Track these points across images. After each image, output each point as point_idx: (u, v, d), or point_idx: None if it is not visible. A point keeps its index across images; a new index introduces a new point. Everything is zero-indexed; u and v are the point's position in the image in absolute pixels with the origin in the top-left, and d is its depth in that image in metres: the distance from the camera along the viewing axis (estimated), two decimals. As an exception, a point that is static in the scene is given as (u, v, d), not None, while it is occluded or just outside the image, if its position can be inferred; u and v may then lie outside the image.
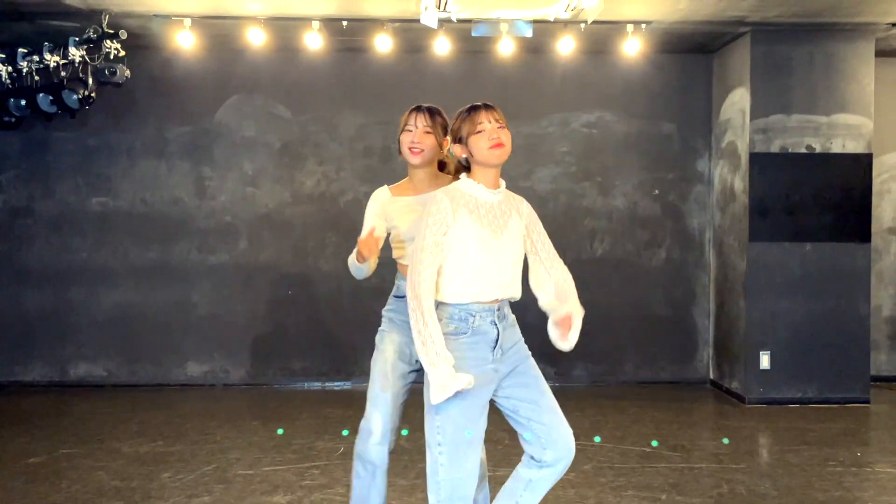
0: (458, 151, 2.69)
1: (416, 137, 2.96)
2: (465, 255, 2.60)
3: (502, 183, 2.73)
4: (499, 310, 2.67)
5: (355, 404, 5.88)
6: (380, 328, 3.08)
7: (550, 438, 2.69)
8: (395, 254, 3.06)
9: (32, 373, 6.70)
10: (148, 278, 6.71)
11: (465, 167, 2.71)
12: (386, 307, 3.09)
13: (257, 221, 6.77)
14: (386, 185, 3.10)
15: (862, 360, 6.13)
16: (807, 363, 6.11)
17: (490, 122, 2.64)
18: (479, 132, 2.62)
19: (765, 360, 6.11)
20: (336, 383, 6.71)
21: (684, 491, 4.10)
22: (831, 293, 6.10)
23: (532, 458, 2.74)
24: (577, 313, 2.73)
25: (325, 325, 6.76)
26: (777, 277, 6.10)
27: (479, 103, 2.70)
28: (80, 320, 6.71)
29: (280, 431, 4.79)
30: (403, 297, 2.81)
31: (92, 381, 6.69)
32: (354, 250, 2.98)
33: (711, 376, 6.83)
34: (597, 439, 5.01)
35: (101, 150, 6.69)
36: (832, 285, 6.10)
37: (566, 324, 2.72)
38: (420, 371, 2.86)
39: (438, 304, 2.59)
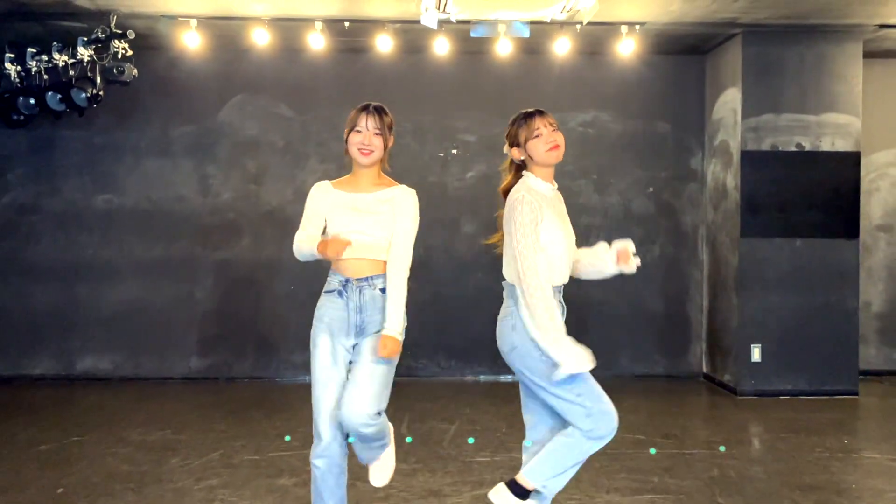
0: (515, 154, 3.02)
1: (366, 139, 3.04)
2: (552, 243, 2.90)
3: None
4: (561, 291, 2.99)
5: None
6: (312, 329, 3.10)
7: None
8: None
9: (40, 366, 6.84)
10: (153, 274, 6.85)
11: (517, 167, 3.05)
12: (318, 307, 3.10)
13: (260, 219, 6.91)
14: (327, 180, 3.18)
15: (850, 353, 6.29)
16: (797, 356, 6.26)
17: (546, 126, 2.98)
18: (537, 136, 2.96)
19: (756, 353, 6.26)
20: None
21: (676, 475, 4.25)
22: (821, 288, 6.26)
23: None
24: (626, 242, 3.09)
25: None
26: (768, 273, 6.26)
27: (532, 110, 3.03)
28: (87, 315, 6.84)
29: (287, 438, 4.91)
30: (335, 292, 3.03)
31: (98, 375, 6.82)
32: (315, 241, 3.01)
33: (704, 370, 6.98)
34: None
35: (106, 148, 6.83)
36: (821, 280, 6.26)
37: (625, 255, 3.06)
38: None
39: None
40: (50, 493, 3.91)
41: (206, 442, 4.88)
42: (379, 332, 3.00)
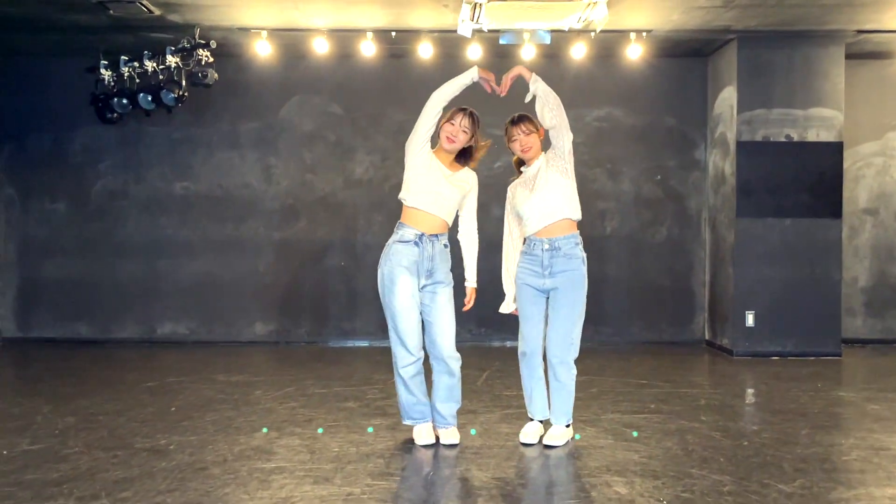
0: (507, 145, 4.22)
1: (455, 132, 4.02)
2: (520, 209, 4.15)
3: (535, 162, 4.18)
4: (550, 241, 4.09)
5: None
6: (388, 271, 4.04)
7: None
8: (410, 201, 4.01)
9: (126, 331, 7.91)
10: (223, 251, 7.89)
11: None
12: (393, 254, 4.02)
13: (315, 203, 7.92)
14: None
15: (834, 319, 7.14)
16: (786, 322, 7.12)
17: (519, 133, 4.13)
18: (514, 141, 4.17)
19: (750, 319, 7.13)
20: (381, 341, 7.83)
21: (669, 403, 5.17)
22: (807, 262, 7.12)
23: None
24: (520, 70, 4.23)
25: (371, 292, 7.87)
26: (760, 249, 7.13)
27: (515, 117, 4.19)
28: (166, 287, 7.91)
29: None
30: (412, 242, 3.98)
31: (176, 339, 7.88)
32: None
33: (707, 337, 7.86)
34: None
35: (184, 142, 7.90)
36: (808, 255, 7.12)
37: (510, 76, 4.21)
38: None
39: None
40: (165, 411, 4.92)
41: (280, 381, 5.88)
42: (447, 283, 4.06)
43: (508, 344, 7.88)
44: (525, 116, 4.18)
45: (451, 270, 4.15)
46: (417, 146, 4.04)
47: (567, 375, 4.11)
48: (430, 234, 4.01)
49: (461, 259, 4.24)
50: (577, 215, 4.14)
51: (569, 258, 4.07)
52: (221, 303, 7.90)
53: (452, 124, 4.03)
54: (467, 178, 4.14)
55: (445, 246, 4.09)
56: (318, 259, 7.93)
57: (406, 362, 4.06)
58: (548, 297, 4.15)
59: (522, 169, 4.26)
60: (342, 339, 7.89)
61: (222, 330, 7.91)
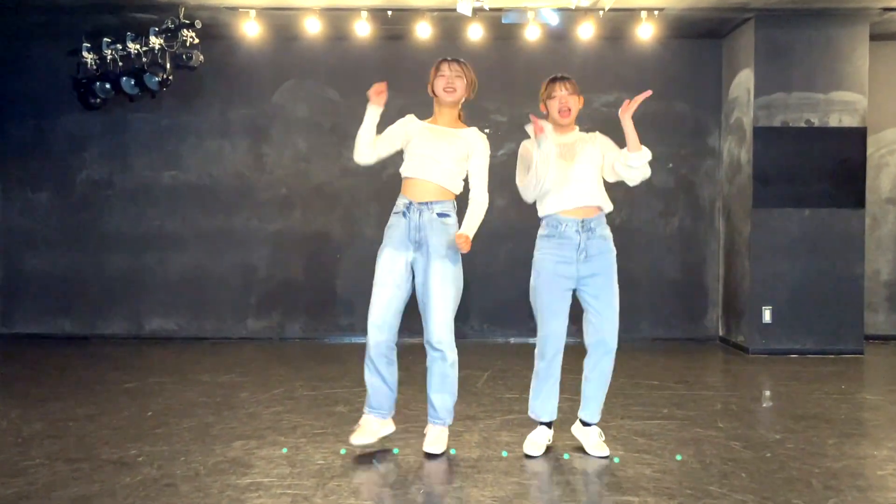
0: (541, 108, 3.82)
1: (450, 81, 3.69)
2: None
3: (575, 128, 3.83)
4: (582, 222, 3.68)
5: (402, 354, 6.65)
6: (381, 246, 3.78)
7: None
8: (402, 168, 3.74)
9: (112, 327, 7.58)
10: (213, 243, 7.55)
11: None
12: (387, 227, 3.78)
13: (310, 193, 7.56)
14: (414, 115, 3.84)
15: (856, 315, 6.75)
16: (805, 318, 6.74)
17: (562, 90, 3.74)
18: (553, 97, 3.74)
19: (767, 315, 6.75)
20: (380, 338, 7.50)
21: (683, 408, 4.80)
22: (828, 254, 6.73)
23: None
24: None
25: (368, 286, 7.50)
26: (778, 240, 6.74)
27: (557, 75, 3.81)
28: (154, 280, 7.57)
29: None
30: (400, 212, 3.68)
31: (164, 335, 7.55)
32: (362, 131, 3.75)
33: (720, 333, 7.48)
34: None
35: (172, 129, 7.54)
36: (829, 247, 6.73)
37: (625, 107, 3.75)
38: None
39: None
40: (140, 416, 4.58)
41: (268, 382, 5.54)
42: (442, 258, 3.64)
43: (512, 340, 7.53)
44: (569, 77, 3.83)
45: (455, 246, 3.67)
46: (391, 142, 3.83)
47: (610, 362, 3.87)
48: (420, 202, 3.67)
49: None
50: (610, 207, 3.82)
51: (604, 239, 3.75)
52: (212, 297, 7.56)
53: (443, 75, 3.73)
54: (468, 137, 3.75)
55: (441, 216, 3.67)
56: (313, 251, 7.57)
57: (370, 340, 3.74)
58: (574, 289, 3.76)
59: (546, 134, 3.56)
60: (339, 336, 7.55)
61: (213, 326, 7.58)
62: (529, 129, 3.74)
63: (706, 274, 7.56)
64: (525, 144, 3.79)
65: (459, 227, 3.71)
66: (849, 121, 6.72)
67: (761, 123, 6.75)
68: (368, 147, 3.76)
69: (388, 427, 3.87)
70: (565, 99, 3.75)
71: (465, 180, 3.80)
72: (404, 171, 3.76)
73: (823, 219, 6.73)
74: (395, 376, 3.82)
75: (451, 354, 3.76)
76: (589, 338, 3.83)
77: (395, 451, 3.85)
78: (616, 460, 3.75)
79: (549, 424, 3.88)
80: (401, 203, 3.73)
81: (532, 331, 7.78)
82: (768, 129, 6.74)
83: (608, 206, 3.79)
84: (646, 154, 3.66)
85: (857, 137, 6.73)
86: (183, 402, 4.91)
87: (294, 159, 7.56)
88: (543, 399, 3.84)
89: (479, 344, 7.32)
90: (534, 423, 3.94)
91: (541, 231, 3.82)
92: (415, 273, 3.73)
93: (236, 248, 7.54)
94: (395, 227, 3.71)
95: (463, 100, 3.78)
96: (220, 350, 7.00)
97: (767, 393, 5.35)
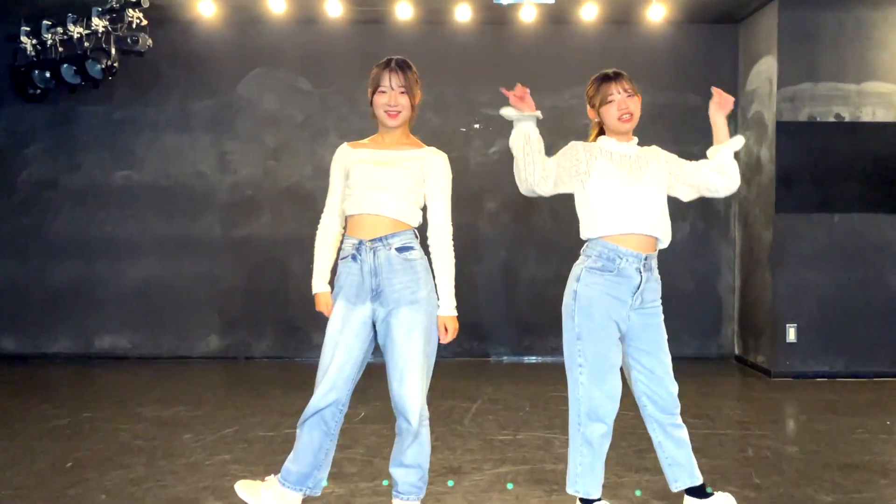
0: (591, 115, 3.13)
1: (392, 100, 2.90)
2: (597, 195, 3.00)
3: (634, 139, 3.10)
4: (645, 258, 3.00)
5: (373, 377, 5.89)
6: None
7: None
8: (345, 206, 2.98)
9: (58, 345, 6.79)
10: (172, 252, 6.76)
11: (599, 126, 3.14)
12: (336, 276, 3.02)
13: (279, 195, 6.78)
14: (346, 143, 3.07)
15: (891, 333, 6.01)
16: (834, 336, 6.00)
17: (620, 92, 3.02)
18: (610, 102, 3.02)
19: (791, 334, 6.01)
20: (357, 356, 6.72)
21: (709, 454, 4.05)
22: (860, 265, 5.99)
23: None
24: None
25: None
26: (804, 249, 6.00)
27: (610, 72, 3.07)
28: (105, 293, 6.77)
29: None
30: (349, 256, 2.93)
31: (117, 353, 6.76)
32: (318, 275, 3.09)
33: (736, 351, 6.74)
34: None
35: (125, 123, 6.74)
36: (861, 257, 5.99)
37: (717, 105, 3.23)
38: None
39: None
40: (59, 467, 3.81)
41: (221, 418, 4.76)
42: (410, 304, 2.88)
43: (505, 360, 6.76)
44: (623, 73, 3.09)
45: (427, 286, 2.93)
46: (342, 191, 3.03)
47: (684, 432, 3.15)
48: (372, 240, 2.88)
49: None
50: (667, 243, 3.10)
51: (658, 282, 3.08)
52: (170, 312, 6.76)
53: (383, 91, 2.92)
54: (422, 158, 2.95)
55: (402, 250, 2.89)
56: (282, 260, 6.78)
57: (312, 403, 2.93)
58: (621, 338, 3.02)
59: (608, 142, 3.06)
60: (312, 355, 6.75)
61: (171, 343, 6.78)
62: (506, 111, 3.05)
63: (720, 285, 6.81)
64: (574, 145, 3.06)
65: (427, 260, 2.96)
66: (883, 115, 5.97)
67: (785, 118, 5.99)
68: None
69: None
70: (625, 102, 3.02)
71: (424, 209, 3.01)
72: (347, 208, 2.96)
73: (855, 225, 5.99)
74: (328, 455, 3.00)
75: (422, 426, 2.94)
76: (642, 403, 3.12)
77: None
78: (638, 493, 3.31)
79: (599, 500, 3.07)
80: (349, 245, 2.95)
81: (528, 349, 7.02)
82: (793, 124, 5.99)
83: (667, 241, 3.07)
84: (738, 141, 3.21)
85: (892, 133, 5.98)
86: (114, 447, 4.13)
87: (261, 157, 6.77)
88: (597, 474, 3.03)
89: (466, 364, 6.55)
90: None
91: (588, 262, 2.99)
92: (376, 328, 2.95)
93: (197, 257, 6.74)
94: (347, 275, 2.93)
95: (409, 119, 2.99)
96: (176, 372, 6.21)
97: (802, 431, 4.60)
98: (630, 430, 4.26)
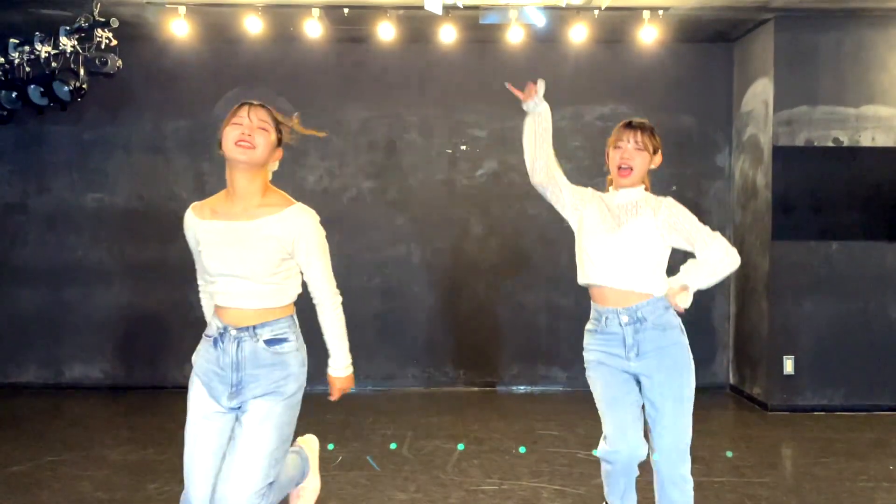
0: (607, 162, 2.99)
1: (247, 130, 2.43)
2: (581, 238, 2.98)
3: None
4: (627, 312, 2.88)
5: (356, 410, 5.66)
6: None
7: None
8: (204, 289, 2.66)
9: (27, 374, 6.52)
10: (145, 277, 6.49)
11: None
12: (196, 351, 2.64)
13: (258, 218, 6.52)
14: (191, 207, 2.62)
15: (892, 365, 5.81)
16: (833, 369, 5.79)
17: (629, 142, 2.88)
18: (617, 148, 2.91)
19: (788, 366, 5.80)
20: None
21: (706, 502, 3.82)
22: (859, 295, 5.79)
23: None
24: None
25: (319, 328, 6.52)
26: (802, 278, 5.79)
27: (634, 121, 2.94)
28: (76, 320, 6.50)
29: (331, 447, 4.50)
30: (211, 339, 2.54)
31: (88, 384, 6.49)
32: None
33: (731, 381, 6.52)
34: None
35: (96, 144, 6.49)
36: (860, 286, 5.79)
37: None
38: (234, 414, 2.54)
39: None
40: (10, 526, 3.55)
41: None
42: (268, 395, 2.47)
43: (499, 389, 6.52)
44: (647, 126, 2.96)
45: (297, 382, 2.56)
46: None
47: (682, 495, 2.92)
48: (238, 329, 2.47)
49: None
50: (661, 292, 2.92)
51: (662, 329, 2.89)
52: (143, 340, 6.49)
53: (238, 123, 2.44)
54: (282, 221, 2.45)
55: (273, 343, 2.49)
56: (261, 286, 6.52)
57: (184, 499, 2.55)
58: (638, 381, 2.94)
59: (607, 193, 3.03)
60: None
61: (144, 373, 6.51)
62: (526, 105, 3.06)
63: (714, 313, 6.60)
64: (586, 189, 3.10)
65: (302, 349, 2.58)
66: (884, 140, 5.78)
67: (781, 142, 5.79)
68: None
69: None
70: (630, 154, 2.90)
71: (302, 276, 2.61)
72: (210, 292, 2.55)
73: (854, 254, 5.78)
74: None
75: None
76: (653, 456, 2.96)
77: None
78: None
79: None
80: (213, 326, 2.53)
81: (516, 378, 6.78)
82: (790, 149, 5.78)
83: (659, 292, 2.91)
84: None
85: (892, 159, 5.79)
86: (72, 500, 3.87)
87: (240, 180, 6.51)
88: (623, 495, 2.97)
89: (453, 395, 6.31)
90: None
91: (588, 324, 3.03)
92: (237, 415, 2.53)
93: (171, 284, 6.46)
94: (206, 361, 2.53)
95: (265, 164, 2.49)
96: (149, 405, 5.94)
97: (802, 478, 4.38)
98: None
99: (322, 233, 2.55)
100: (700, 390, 6.76)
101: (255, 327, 2.47)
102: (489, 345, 6.56)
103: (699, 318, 6.58)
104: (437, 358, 6.56)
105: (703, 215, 6.52)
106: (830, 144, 5.79)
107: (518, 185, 6.33)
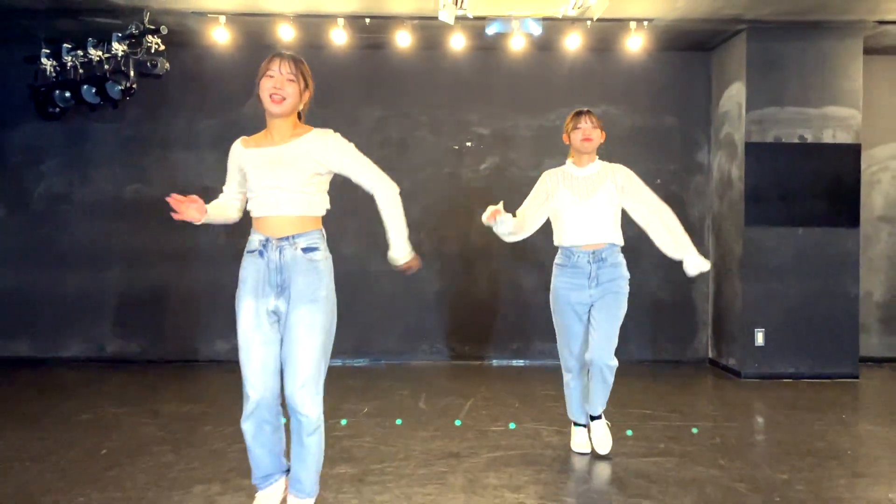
0: (565, 140, 4.09)
1: (279, 83, 2.92)
2: (559, 211, 4.02)
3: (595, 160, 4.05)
4: (593, 253, 3.95)
5: (374, 379, 6.31)
6: (237, 291, 3.09)
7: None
8: (249, 206, 3.12)
9: (71, 349, 7.14)
10: (179, 261, 7.14)
11: None
12: (241, 268, 3.09)
13: (282, 208, 7.17)
14: (240, 139, 3.15)
15: (851, 337, 6.51)
16: (799, 340, 6.48)
17: (586, 123, 3.97)
18: (577, 129, 4.00)
19: (759, 338, 6.49)
20: (356, 361, 7.12)
21: (680, 442, 4.49)
22: (822, 275, 6.49)
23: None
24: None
25: (345, 306, 7.14)
26: (771, 260, 6.49)
27: (583, 109, 4.05)
28: (116, 300, 7.14)
29: (344, 422, 5.11)
30: (256, 252, 3.01)
31: (126, 357, 7.11)
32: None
33: (710, 355, 7.21)
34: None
35: (135, 140, 7.14)
36: (823, 267, 6.49)
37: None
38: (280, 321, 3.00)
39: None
40: (94, 454, 4.19)
41: (235, 412, 5.10)
42: (309, 303, 2.95)
43: (495, 363, 7.19)
44: (592, 111, 4.10)
45: (328, 287, 3.04)
46: (238, 188, 3.24)
47: (611, 374, 4.05)
48: (279, 239, 2.98)
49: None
50: (621, 242, 4.08)
51: (615, 266, 4.00)
52: (177, 318, 7.14)
53: (271, 76, 2.95)
54: (312, 145, 2.99)
55: (307, 251, 2.98)
56: (285, 270, 7.17)
57: (247, 407, 3.05)
58: (589, 310, 4.03)
59: (570, 167, 4.10)
60: (311, 358, 7.15)
61: (178, 348, 7.16)
62: (486, 220, 3.94)
63: (695, 293, 7.29)
64: (543, 176, 4.14)
65: (329, 258, 3.08)
66: (843, 137, 6.50)
67: (753, 139, 6.50)
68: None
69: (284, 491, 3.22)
70: (588, 130, 4.00)
71: (346, 184, 3.17)
72: (251, 209, 3.09)
73: (817, 238, 6.50)
74: (283, 443, 3.16)
75: (314, 421, 3.01)
76: (587, 354, 4.01)
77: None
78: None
79: (584, 425, 4.32)
80: (255, 240, 3.03)
81: (517, 353, 7.44)
82: (760, 145, 6.50)
83: (620, 242, 4.04)
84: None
85: (851, 154, 6.51)
86: (140, 439, 4.51)
87: (266, 173, 7.17)
88: (578, 408, 4.28)
89: (458, 367, 6.97)
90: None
91: (556, 259, 4.11)
92: (279, 320, 3.03)
93: (203, 266, 7.14)
94: (251, 270, 3.02)
95: (296, 110, 3.04)
96: (184, 374, 6.58)
97: (765, 423, 5.06)
98: (612, 421, 4.69)
99: (346, 141, 3.03)
100: (683, 363, 7.49)
101: (293, 237, 2.96)
102: (491, 323, 7.23)
103: (682, 299, 7.29)
104: (444, 336, 7.22)
105: (686, 206, 7.30)
106: (796, 141, 6.50)
107: (518, 178, 7.04)
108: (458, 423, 4.81)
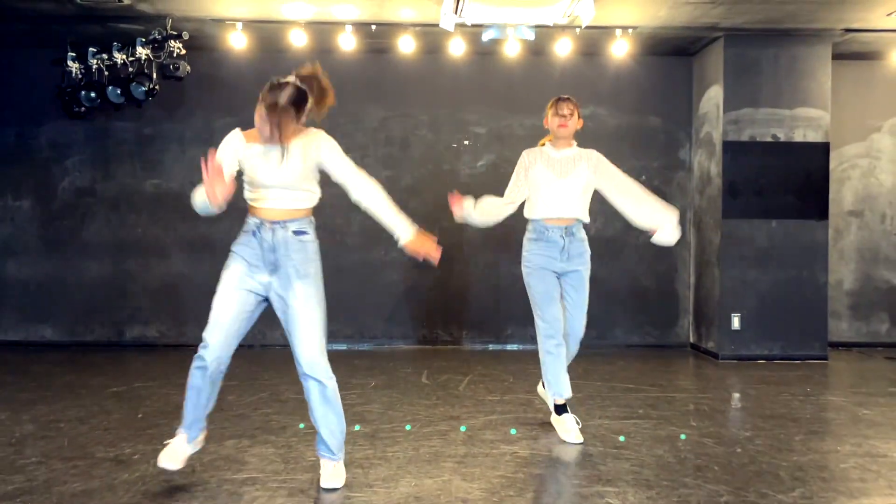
0: (545, 123, 4.39)
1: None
2: (536, 187, 4.32)
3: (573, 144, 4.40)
4: (565, 228, 4.28)
5: (378, 360, 6.80)
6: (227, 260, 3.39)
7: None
8: (246, 195, 3.39)
9: (93, 334, 7.61)
10: (195, 251, 7.63)
11: None
12: (234, 244, 3.39)
13: (291, 202, 7.67)
14: (239, 129, 3.42)
15: (820, 322, 7.03)
16: (772, 325, 7.00)
17: (565, 108, 4.32)
18: (555, 113, 4.32)
19: (736, 322, 7.00)
20: (360, 345, 7.61)
21: (658, 409, 5.00)
22: (793, 264, 7.01)
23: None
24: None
25: (350, 294, 7.66)
26: (747, 250, 7.01)
27: (563, 97, 4.38)
28: (135, 288, 7.62)
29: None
30: (250, 232, 3.33)
31: (145, 342, 7.60)
32: (201, 187, 3.28)
33: (691, 340, 7.73)
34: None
35: (155, 138, 7.62)
36: (794, 257, 7.01)
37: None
38: (265, 301, 3.34)
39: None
40: (132, 417, 4.67)
41: (254, 386, 5.64)
42: (303, 277, 3.23)
43: (490, 347, 7.69)
44: (571, 98, 4.40)
45: (316, 266, 3.36)
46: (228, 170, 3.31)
47: (578, 347, 4.44)
48: (272, 222, 3.30)
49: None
50: (588, 220, 4.43)
51: (582, 241, 4.34)
52: (193, 305, 7.62)
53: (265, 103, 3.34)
54: (304, 145, 3.31)
55: (298, 233, 3.29)
56: (294, 259, 7.66)
57: (204, 355, 3.33)
58: (558, 277, 4.33)
59: (549, 148, 4.39)
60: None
61: (194, 333, 7.55)
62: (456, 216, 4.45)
63: (678, 282, 7.81)
64: (523, 154, 4.45)
65: (316, 242, 3.39)
66: (813, 136, 7.03)
67: (730, 138, 7.02)
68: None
69: (197, 446, 3.54)
70: (565, 117, 4.34)
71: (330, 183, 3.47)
72: (248, 198, 3.37)
73: (789, 230, 7.02)
74: (215, 399, 3.50)
75: (329, 382, 3.32)
76: (564, 324, 4.35)
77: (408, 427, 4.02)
78: (622, 439, 4.24)
79: (565, 406, 4.32)
80: (251, 222, 3.35)
81: (510, 338, 7.95)
82: (737, 144, 7.02)
83: (586, 219, 4.41)
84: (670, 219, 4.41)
85: (820, 152, 7.04)
86: (171, 405, 5.00)
87: (276, 169, 7.66)
88: (557, 380, 4.28)
89: (457, 351, 7.47)
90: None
91: (528, 235, 4.41)
92: (271, 301, 3.33)
93: (217, 256, 7.52)
94: (246, 246, 3.33)
95: (292, 135, 3.33)
96: (202, 356, 7.05)
97: (737, 395, 5.58)
98: (597, 393, 5.19)
99: (333, 142, 3.38)
100: (665, 347, 8.00)
101: (285, 221, 3.29)
102: (487, 309, 7.73)
103: (665, 287, 7.81)
104: (442, 321, 7.72)
105: (669, 201, 7.68)
106: (770, 140, 7.02)
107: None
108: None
